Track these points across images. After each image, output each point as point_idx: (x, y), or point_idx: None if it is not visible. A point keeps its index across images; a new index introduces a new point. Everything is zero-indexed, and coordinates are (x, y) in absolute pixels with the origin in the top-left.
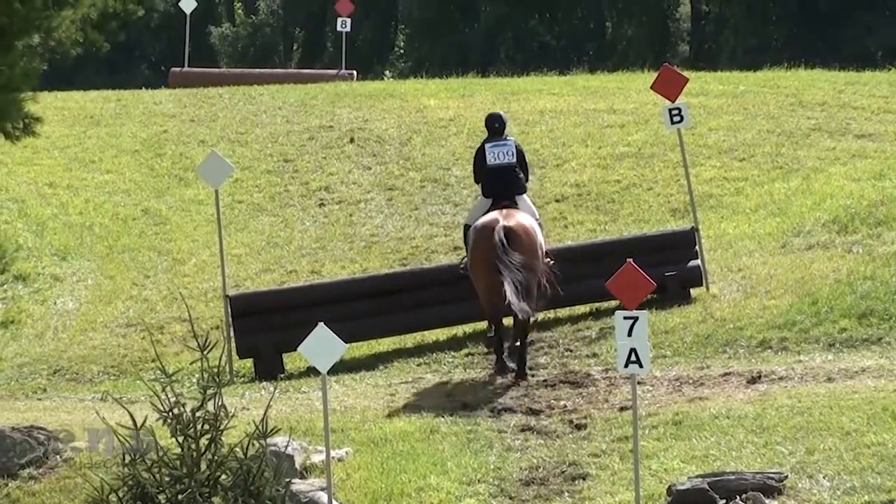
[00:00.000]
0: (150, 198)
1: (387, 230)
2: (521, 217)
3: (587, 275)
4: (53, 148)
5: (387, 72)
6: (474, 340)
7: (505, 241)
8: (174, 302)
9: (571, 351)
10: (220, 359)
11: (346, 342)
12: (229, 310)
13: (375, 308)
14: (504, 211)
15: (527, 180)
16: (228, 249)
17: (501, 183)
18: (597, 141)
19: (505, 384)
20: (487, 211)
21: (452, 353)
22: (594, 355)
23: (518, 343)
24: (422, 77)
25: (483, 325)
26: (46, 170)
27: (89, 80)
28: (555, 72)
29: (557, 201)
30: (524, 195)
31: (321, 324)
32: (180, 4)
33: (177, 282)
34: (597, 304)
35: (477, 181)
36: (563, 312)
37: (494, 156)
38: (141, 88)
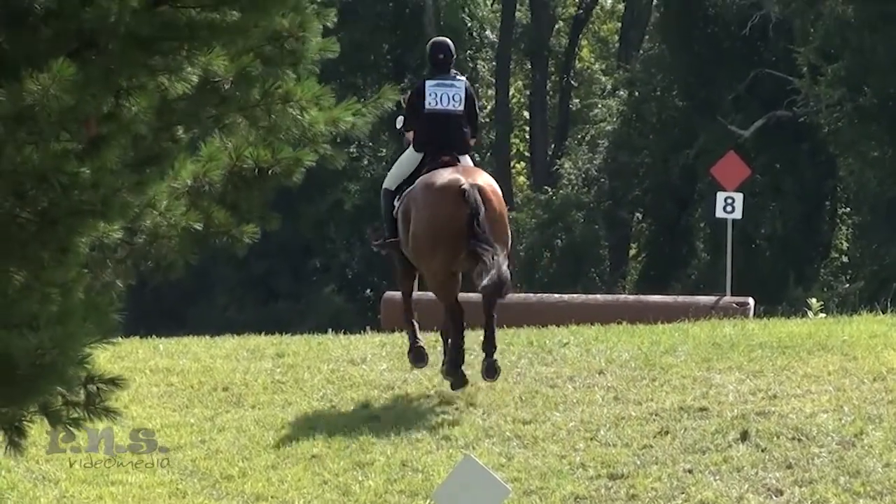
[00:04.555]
0: None
1: None
2: (487, 177)
3: None
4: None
5: (812, 299)
6: None
7: (481, 205)
8: None
9: None
10: None
11: None
12: None
13: None
14: (460, 167)
15: (474, 136)
16: None
17: (441, 135)
18: None
19: None
20: (422, 168)
21: None
22: None
23: (487, 331)
24: (883, 309)
25: None
26: (135, 495)
27: (215, 314)
28: None
29: None
30: (466, 155)
31: None
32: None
33: None
34: None
35: (405, 129)
36: None
37: (436, 98)
38: (327, 332)
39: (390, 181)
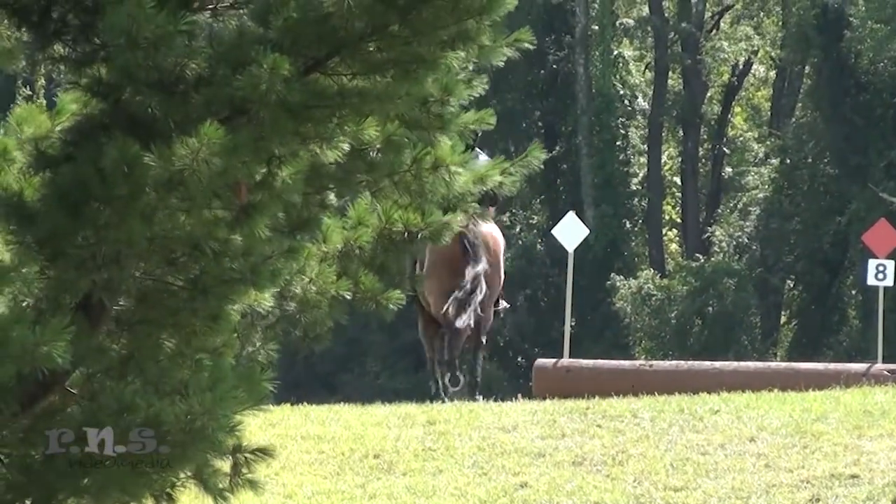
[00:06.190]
0: None
1: None
2: (488, 224)
3: None
4: None
5: None
6: None
7: (475, 243)
8: None
9: None
10: None
11: None
12: None
13: None
14: None
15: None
16: None
17: None
18: None
19: None
20: None
21: None
22: None
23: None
24: None
25: None
26: None
27: (366, 381)
28: None
29: None
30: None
31: None
32: (556, 233)
33: None
34: None
35: None
36: None
37: None
38: (478, 399)
39: None
